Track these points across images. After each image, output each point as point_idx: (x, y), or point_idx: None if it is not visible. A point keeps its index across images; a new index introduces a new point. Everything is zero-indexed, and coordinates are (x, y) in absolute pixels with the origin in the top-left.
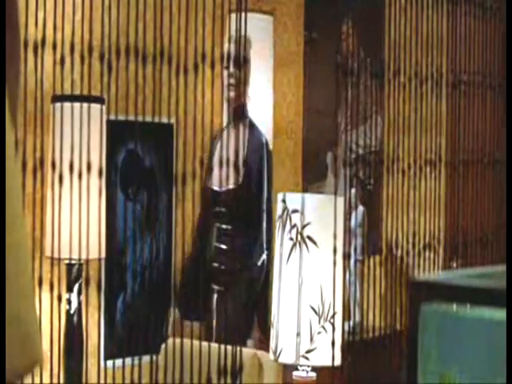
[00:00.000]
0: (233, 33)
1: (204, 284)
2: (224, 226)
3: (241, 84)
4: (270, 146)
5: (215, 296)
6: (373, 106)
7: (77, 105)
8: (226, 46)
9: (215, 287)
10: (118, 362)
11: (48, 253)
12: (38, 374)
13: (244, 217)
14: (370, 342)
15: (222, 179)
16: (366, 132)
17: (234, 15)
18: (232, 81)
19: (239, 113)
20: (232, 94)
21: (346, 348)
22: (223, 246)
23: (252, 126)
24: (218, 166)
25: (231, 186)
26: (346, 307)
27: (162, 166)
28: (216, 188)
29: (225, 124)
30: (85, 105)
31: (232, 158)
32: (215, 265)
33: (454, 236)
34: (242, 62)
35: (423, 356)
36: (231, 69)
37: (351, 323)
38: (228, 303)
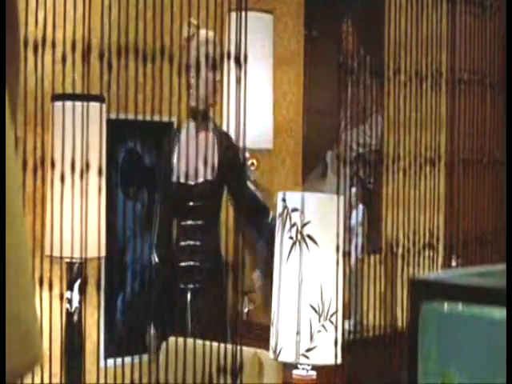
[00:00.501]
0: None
1: (179, 288)
2: (197, 222)
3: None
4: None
5: (189, 295)
6: (373, 105)
7: (77, 104)
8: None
9: (190, 286)
10: (118, 360)
11: (48, 252)
12: (38, 373)
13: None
14: (370, 340)
15: (196, 173)
16: (366, 131)
17: (234, 14)
18: (217, 86)
19: (205, 113)
20: (212, 97)
21: (346, 347)
22: (197, 243)
23: (217, 126)
24: (190, 161)
25: (207, 179)
26: (346, 306)
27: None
28: (188, 182)
29: (185, 122)
30: (85, 104)
31: (203, 153)
32: (191, 263)
33: (454, 235)
34: (242, 63)
35: (423, 355)
36: (218, 74)
37: (351, 322)
38: (210, 299)
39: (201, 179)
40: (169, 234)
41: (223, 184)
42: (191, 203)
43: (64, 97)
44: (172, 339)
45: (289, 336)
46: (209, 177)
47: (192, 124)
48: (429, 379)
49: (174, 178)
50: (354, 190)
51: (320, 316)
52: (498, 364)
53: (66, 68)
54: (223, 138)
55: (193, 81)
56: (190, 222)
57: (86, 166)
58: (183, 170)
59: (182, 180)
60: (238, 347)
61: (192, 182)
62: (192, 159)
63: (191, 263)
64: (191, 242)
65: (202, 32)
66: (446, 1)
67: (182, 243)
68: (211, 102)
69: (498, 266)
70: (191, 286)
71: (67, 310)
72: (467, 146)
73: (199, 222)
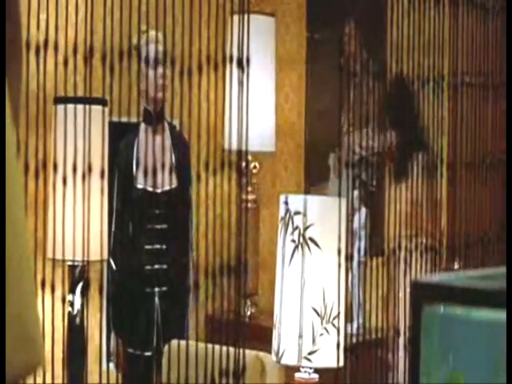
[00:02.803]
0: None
1: (145, 292)
2: (160, 226)
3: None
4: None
5: (157, 300)
6: (375, 108)
7: (79, 107)
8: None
9: (157, 290)
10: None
11: (50, 254)
12: (40, 375)
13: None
14: (372, 343)
15: (158, 180)
16: (369, 133)
17: (236, 17)
18: (162, 81)
19: (159, 115)
20: (160, 94)
21: (349, 349)
22: (163, 246)
23: (174, 128)
24: (150, 168)
25: (169, 187)
26: (349, 309)
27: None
28: (152, 189)
29: (143, 126)
30: (87, 107)
31: (166, 159)
32: (156, 267)
33: (456, 237)
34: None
35: (426, 357)
36: (161, 69)
37: (354, 325)
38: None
39: (167, 187)
40: (131, 239)
41: (187, 188)
42: (157, 211)
43: (66, 100)
44: (174, 342)
45: (291, 339)
46: (174, 184)
47: (147, 127)
48: (431, 381)
49: (139, 185)
50: (356, 192)
51: (322, 319)
52: (499, 366)
53: (69, 71)
54: (184, 142)
55: (143, 84)
56: (157, 227)
57: (88, 169)
58: (147, 176)
59: (149, 188)
60: (241, 350)
61: (158, 190)
62: (154, 166)
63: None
64: (157, 246)
65: (151, 34)
66: (448, 3)
67: (148, 247)
68: (161, 102)
69: (499, 268)
70: (158, 289)
71: (69, 312)
72: (469, 149)
73: (165, 226)
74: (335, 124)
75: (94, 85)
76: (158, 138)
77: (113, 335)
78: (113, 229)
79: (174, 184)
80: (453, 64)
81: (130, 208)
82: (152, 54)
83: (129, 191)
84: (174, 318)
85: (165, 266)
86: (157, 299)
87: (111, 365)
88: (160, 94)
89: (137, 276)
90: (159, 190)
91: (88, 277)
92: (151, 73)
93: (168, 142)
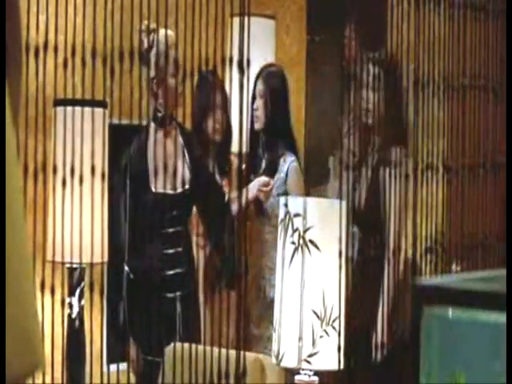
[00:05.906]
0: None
1: (166, 297)
2: (176, 229)
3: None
4: None
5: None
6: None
7: (79, 109)
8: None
9: (178, 294)
10: (122, 366)
11: (50, 257)
12: (40, 378)
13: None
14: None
15: (177, 181)
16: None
17: (236, 19)
18: (180, 89)
19: (171, 118)
20: (180, 102)
21: (349, 352)
22: (179, 249)
23: (184, 129)
24: (164, 169)
25: (188, 186)
26: (348, 311)
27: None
28: (169, 191)
29: (153, 128)
30: (87, 109)
31: (182, 159)
32: (176, 271)
33: (456, 240)
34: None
35: (426, 359)
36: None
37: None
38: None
39: (180, 189)
40: (149, 246)
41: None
42: (174, 212)
43: (66, 102)
44: (174, 344)
45: (291, 341)
46: (187, 185)
47: (158, 129)
48: (431, 381)
49: (159, 189)
50: (356, 195)
51: (322, 321)
52: (497, 368)
53: (68, 73)
54: (191, 140)
55: (156, 86)
56: (171, 230)
57: (90, 171)
58: (166, 179)
59: (167, 190)
60: (241, 352)
61: (179, 190)
62: (174, 166)
63: (178, 270)
64: (177, 249)
65: (161, 34)
66: (448, 5)
67: (169, 251)
68: (175, 104)
69: (499, 270)
70: (179, 293)
71: (69, 315)
72: (469, 151)
73: (179, 229)
74: (335, 126)
75: (95, 87)
76: (171, 139)
77: (132, 342)
78: (127, 237)
79: (191, 182)
80: (452, 66)
81: (148, 213)
82: (169, 59)
83: (144, 196)
84: (193, 322)
85: (183, 269)
86: (178, 304)
87: (112, 367)
88: (176, 100)
89: (158, 282)
90: (179, 191)
91: (91, 279)
92: (171, 80)
93: (180, 141)
